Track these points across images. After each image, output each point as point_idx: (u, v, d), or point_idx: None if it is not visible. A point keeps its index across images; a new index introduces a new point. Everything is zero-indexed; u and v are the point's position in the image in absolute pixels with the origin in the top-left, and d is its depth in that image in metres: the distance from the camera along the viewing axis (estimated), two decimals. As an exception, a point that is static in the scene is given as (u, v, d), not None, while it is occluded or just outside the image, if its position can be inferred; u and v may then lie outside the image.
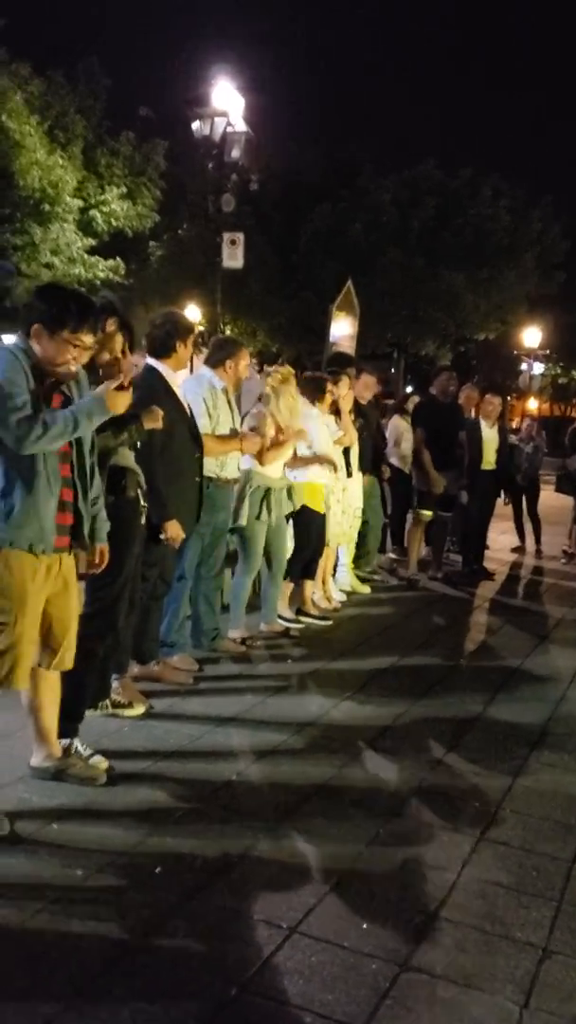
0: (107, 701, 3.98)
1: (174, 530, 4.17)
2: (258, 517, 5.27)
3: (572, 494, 9.54)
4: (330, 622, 6.04)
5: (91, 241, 19.99)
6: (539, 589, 8.28)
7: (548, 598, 7.82)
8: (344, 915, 2.65)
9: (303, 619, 5.92)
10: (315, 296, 22.26)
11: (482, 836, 3.22)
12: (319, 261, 23.33)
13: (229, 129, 13.07)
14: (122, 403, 2.99)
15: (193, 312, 20.62)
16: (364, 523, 6.97)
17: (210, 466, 4.69)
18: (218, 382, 4.94)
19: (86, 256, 19.79)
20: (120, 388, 2.96)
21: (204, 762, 3.63)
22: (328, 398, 5.95)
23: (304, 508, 5.72)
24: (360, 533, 6.98)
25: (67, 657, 3.18)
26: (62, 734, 3.36)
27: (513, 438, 9.61)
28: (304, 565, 5.93)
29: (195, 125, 12.94)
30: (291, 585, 5.94)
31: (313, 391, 5.92)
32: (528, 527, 9.86)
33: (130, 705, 4.05)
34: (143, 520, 3.85)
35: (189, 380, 4.99)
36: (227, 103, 13.01)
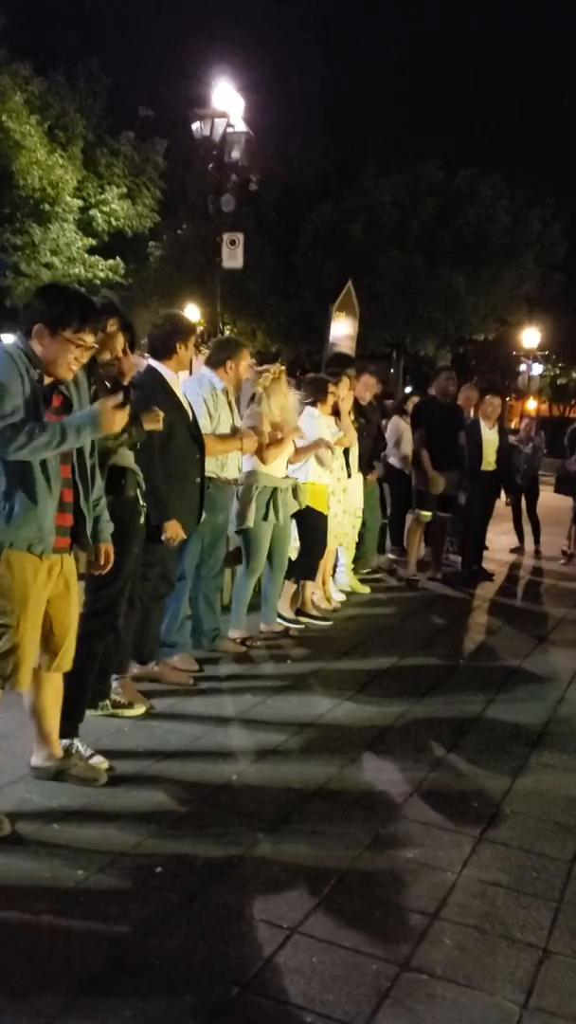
0: (107, 701, 3.98)
1: (173, 530, 4.17)
2: (265, 518, 5.29)
3: (571, 495, 9.54)
4: (330, 622, 6.05)
5: (91, 241, 20.01)
6: (538, 590, 8.29)
7: (547, 599, 7.83)
8: (345, 915, 2.66)
9: (303, 620, 5.93)
10: (315, 296, 22.29)
11: (482, 836, 3.22)
12: (319, 261, 23.35)
13: (229, 130, 13.06)
14: (118, 423, 2.95)
15: (192, 312, 20.64)
16: (361, 525, 6.98)
17: (210, 466, 4.69)
18: (219, 383, 4.94)
19: (86, 256, 19.81)
20: (120, 406, 2.92)
21: (204, 762, 3.63)
22: (330, 399, 5.96)
23: (308, 509, 5.73)
24: (358, 534, 6.98)
25: (66, 660, 3.18)
26: (62, 734, 3.36)
27: (512, 439, 9.62)
28: (304, 564, 5.94)
29: (195, 126, 12.92)
30: (293, 585, 5.95)
31: (315, 392, 5.94)
32: (527, 528, 9.87)
33: (130, 705, 4.05)
34: (142, 520, 3.85)
35: (190, 381, 5.00)
36: (227, 104, 13.00)
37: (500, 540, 9.81)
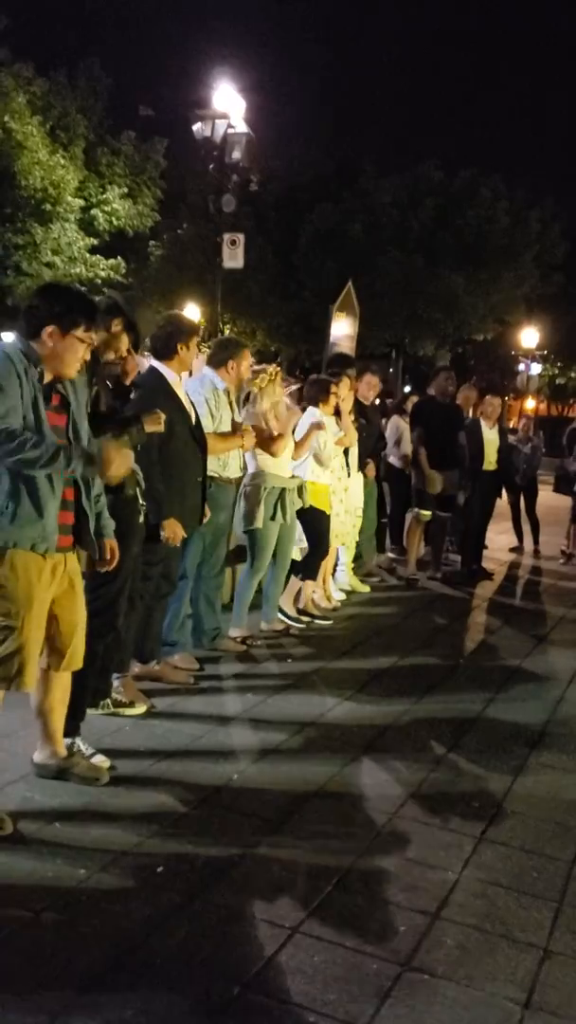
0: (108, 700, 3.98)
1: (171, 529, 4.16)
2: (272, 518, 5.31)
3: (570, 494, 9.55)
4: (330, 621, 6.05)
5: (92, 241, 20.03)
6: (538, 589, 8.30)
7: (546, 598, 7.84)
8: (346, 915, 2.66)
9: (304, 618, 5.94)
10: (314, 296, 22.30)
11: (482, 836, 3.23)
12: (319, 261, 23.36)
13: (230, 131, 13.06)
14: (116, 468, 2.93)
15: (193, 311, 20.64)
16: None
17: (212, 465, 4.70)
18: (220, 383, 4.94)
19: (87, 255, 19.83)
20: (121, 446, 2.92)
21: (205, 761, 3.64)
22: (332, 400, 5.97)
23: (311, 508, 5.75)
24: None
25: (76, 658, 3.18)
26: (64, 733, 3.36)
27: (511, 438, 9.63)
28: (310, 564, 5.95)
29: (196, 127, 12.92)
30: (299, 583, 5.96)
31: (317, 392, 5.95)
32: (526, 527, 9.88)
33: (131, 704, 4.05)
34: (141, 519, 3.85)
35: (191, 381, 5.00)
36: (228, 105, 13.00)
37: (499, 539, 9.82)
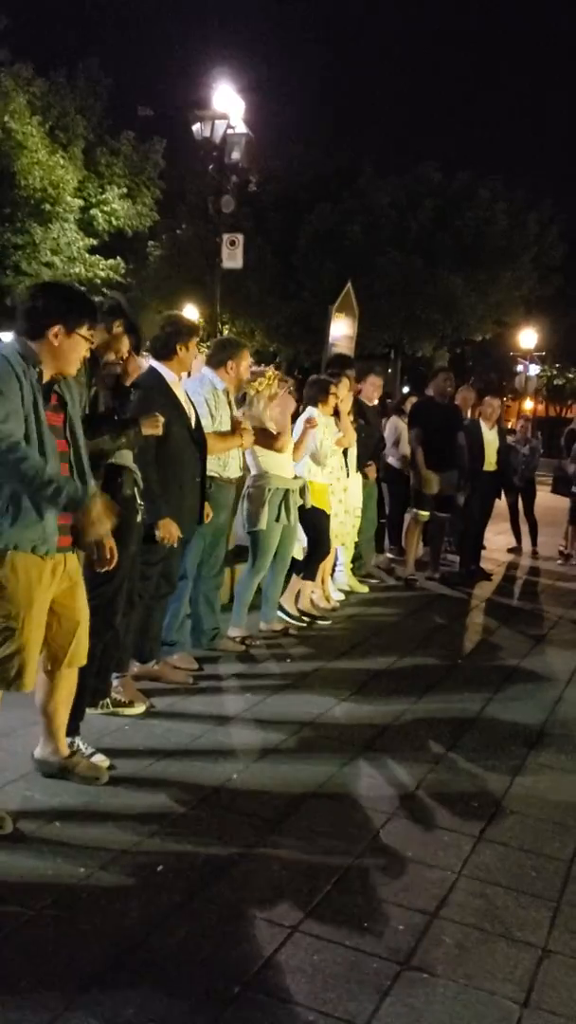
0: (108, 700, 3.99)
1: (166, 529, 4.15)
2: (276, 519, 5.32)
3: (568, 495, 9.57)
4: (329, 622, 6.06)
5: (92, 241, 20.05)
6: (536, 590, 8.31)
7: (545, 599, 7.85)
8: (345, 914, 2.67)
9: (304, 618, 5.94)
10: (313, 296, 22.32)
11: (481, 836, 3.24)
12: (318, 262, 23.37)
13: (229, 131, 13.07)
14: (95, 527, 2.91)
15: (191, 312, 20.66)
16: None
17: (212, 466, 4.70)
18: (219, 383, 4.95)
19: (86, 255, 19.85)
20: (106, 510, 2.89)
21: (205, 761, 3.64)
22: (331, 400, 5.98)
23: (312, 508, 5.76)
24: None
25: (79, 654, 3.18)
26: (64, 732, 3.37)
27: (509, 439, 9.65)
28: (310, 564, 5.96)
29: (195, 127, 12.92)
30: (301, 582, 5.97)
31: (317, 393, 5.97)
32: (524, 528, 9.89)
33: (131, 704, 4.06)
34: (140, 518, 3.85)
35: (191, 381, 5.00)
36: (228, 105, 13.01)
37: (497, 540, 9.83)
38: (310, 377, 6.39)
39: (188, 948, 2.44)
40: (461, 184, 24.47)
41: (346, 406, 6.36)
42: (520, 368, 29.67)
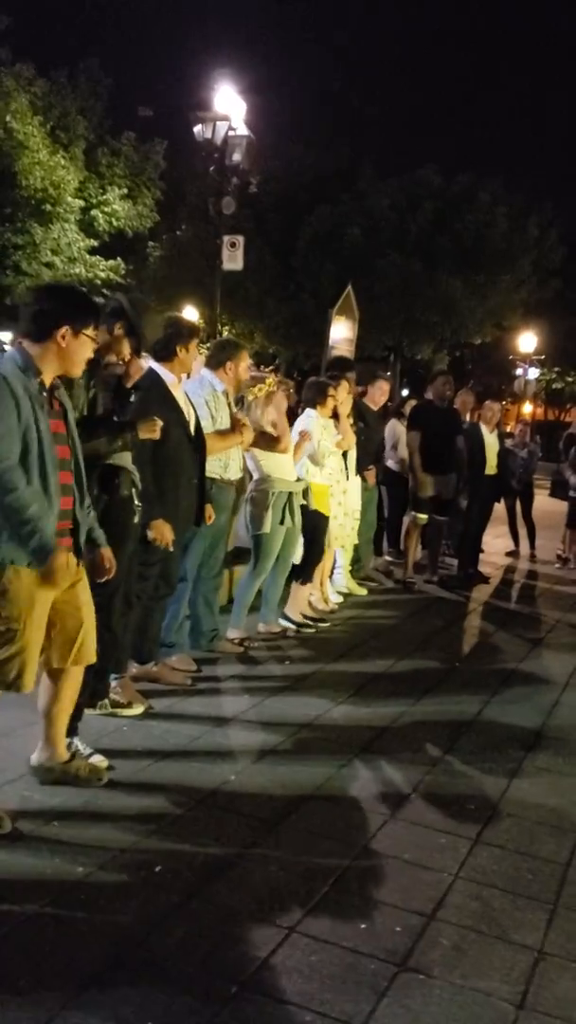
0: (106, 701, 4.00)
1: (159, 530, 4.14)
2: (281, 522, 5.34)
3: (566, 499, 9.60)
4: (327, 624, 6.07)
5: (92, 242, 20.07)
6: (533, 593, 8.33)
7: (542, 602, 7.87)
8: (342, 915, 2.68)
9: (310, 623, 5.94)
10: (313, 298, 22.34)
11: (478, 838, 3.25)
12: (317, 264, 23.39)
13: (231, 133, 13.08)
14: (48, 580, 2.90)
15: (191, 313, 20.67)
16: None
17: (213, 467, 4.72)
18: (219, 384, 4.96)
19: (87, 256, 19.87)
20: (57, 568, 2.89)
21: (203, 762, 3.65)
22: (329, 402, 5.99)
23: (311, 511, 5.77)
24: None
25: (86, 652, 3.18)
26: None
27: (508, 443, 9.68)
28: (306, 567, 5.97)
29: (197, 128, 12.92)
30: (301, 588, 5.97)
31: (315, 395, 5.98)
32: (522, 531, 9.91)
33: (129, 705, 4.07)
34: (137, 519, 3.86)
35: (190, 383, 5.02)
36: (229, 107, 13.02)
37: (496, 543, 9.85)
38: (308, 379, 6.40)
39: (186, 948, 2.45)
40: (461, 187, 24.50)
41: (345, 409, 6.38)
42: (519, 372, 29.72)
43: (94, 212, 20.43)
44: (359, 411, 6.87)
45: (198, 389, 4.85)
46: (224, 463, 4.91)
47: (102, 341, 3.46)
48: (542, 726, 4.50)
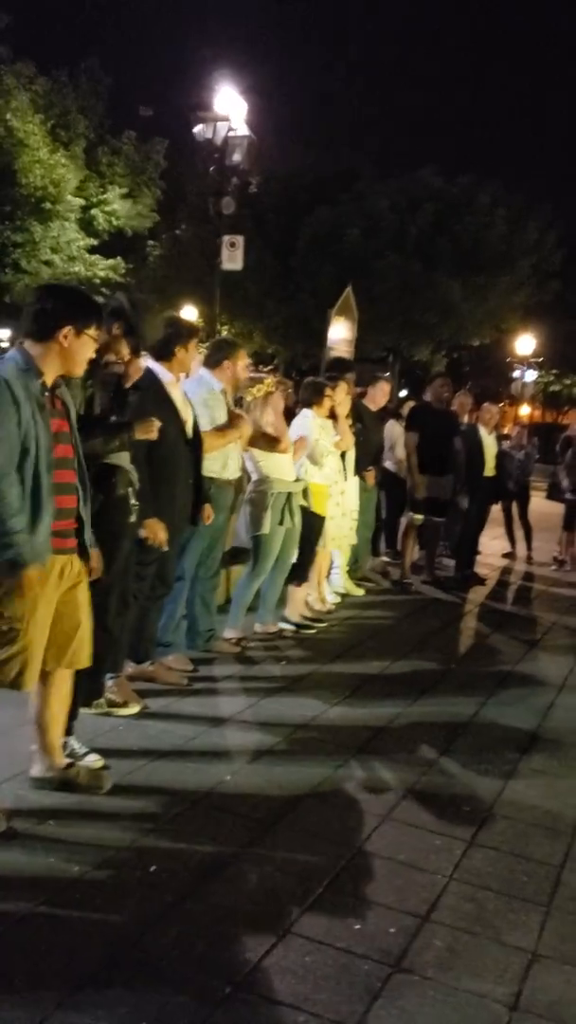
0: (102, 700, 4.00)
1: (152, 529, 4.12)
2: (280, 523, 5.35)
3: (563, 502, 9.61)
4: (324, 624, 6.08)
5: (92, 241, 20.07)
6: (530, 595, 8.34)
7: (538, 604, 7.88)
8: (337, 916, 2.68)
9: (312, 623, 5.94)
10: (312, 299, 22.33)
11: (473, 840, 3.26)
12: (316, 264, 23.40)
13: (231, 133, 13.07)
14: (16, 591, 2.88)
15: (190, 312, 20.68)
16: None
17: (212, 466, 4.72)
18: (216, 384, 4.97)
19: (86, 255, 19.88)
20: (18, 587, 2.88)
21: (198, 762, 3.66)
22: (326, 402, 6.00)
23: (308, 511, 5.77)
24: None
25: (80, 654, 3.18)
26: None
27: (504, 444, 9.69)
28: (300, 568, 5.97)
29: (197, 128, 12.91)
30: (301, 590, 5.97)
31: (311, 395, 5.98)
32: (519, 533, 9.92)
33: (125, 704, 4.07)
34: (133, 518, 3.85)
35: (188, 382, 5.01)
36: (230, 107, 13.01)
37: (492, 545, 9.86)
38: (305, 379, 6.41)
39: (181, 948, 2.45)
40: (461, 188, 24.52)
41: (344, 410, 6.38)
42: (517, 374, 29.75)
43: (94, 211, 20.43)
44: (357, 412, 6.88)
45: (196, 388, 4.85)
46: (222, 463, 4.91)
47: (101, 341, 3.46)
48: (537, 728, 4.51)
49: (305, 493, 5.64)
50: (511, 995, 2.42)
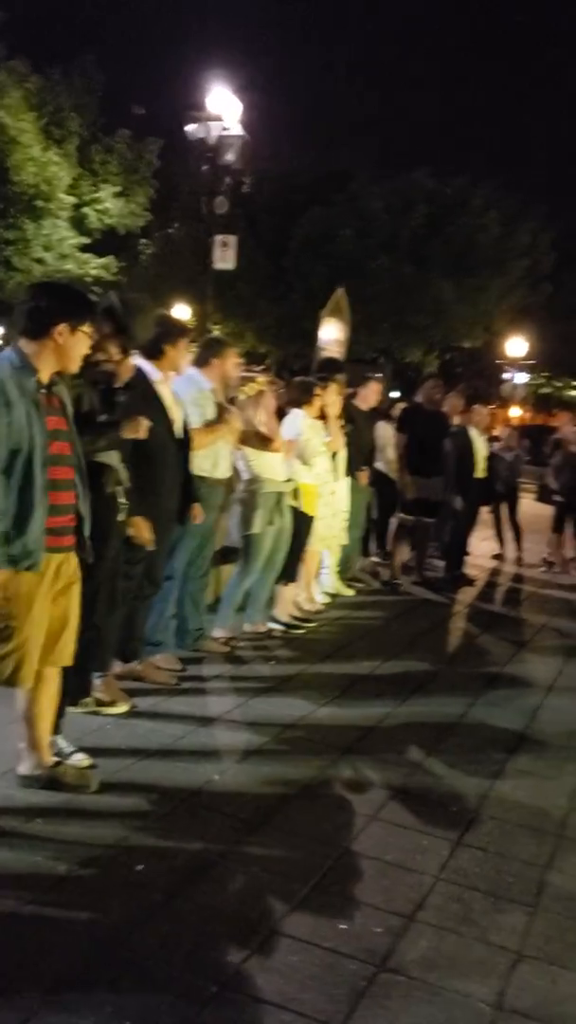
0: (90, 699, 3.99)
1: (137, 528, 4.10)
2: (270, 523, 5.34)
3: (552, 504, 9.64)
4: (314, 624, 6.08)
5: (84, 239, 20.03)
6: (519, 597, 8.36)
7: (527, 606, 7.90)
8: (323, 916, 2.69)
9: (302, 623, 5.94)
10: (304, 299, 22.36)
11: (459, 840, 3.26)
12: (308, 265, 23.42)
13: (224, 132, 13.08)
14: None
15: (182, 311, 20.65)
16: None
17: (203, 465, 4.71)
18: (206, 382, 4.96)
19: (78, 253, 19.83)
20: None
21: (186, 762, 3.65)
22: (316, 402, 6.00)
23: (296, 511, 5.77)
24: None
25: (64, 653, 3.18)
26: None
27: (494, 446, 9.71)
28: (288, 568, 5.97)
29: (190, 128, 12.91)
30: (290, 589, 5.97)
31: (300, 395, 5.98)
32: (508, 535, 9.95)
33: (113, 703, 4.06)
34: (121, 516, 3.84)
35: (178, 381, 5.00)
36: (223, 107, 13.02)
37: (482, 546, 9.88)
38: (294, 379, 6.40)
39: (167, 947, 2.45)
40: (454, 190, 24.58)
41: (334, 410, 6.38)
42: (507, 376, 29.81)
43: (86, 209, 20.39)
44: (348, 412, 6.88)
45: (185, 387, 4.83)
46: (213, 461, 4.90)
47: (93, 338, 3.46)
48: (525, 729, 4.53)
49: (295, 493, 5.64)
50: (496, 995, 2.43)
